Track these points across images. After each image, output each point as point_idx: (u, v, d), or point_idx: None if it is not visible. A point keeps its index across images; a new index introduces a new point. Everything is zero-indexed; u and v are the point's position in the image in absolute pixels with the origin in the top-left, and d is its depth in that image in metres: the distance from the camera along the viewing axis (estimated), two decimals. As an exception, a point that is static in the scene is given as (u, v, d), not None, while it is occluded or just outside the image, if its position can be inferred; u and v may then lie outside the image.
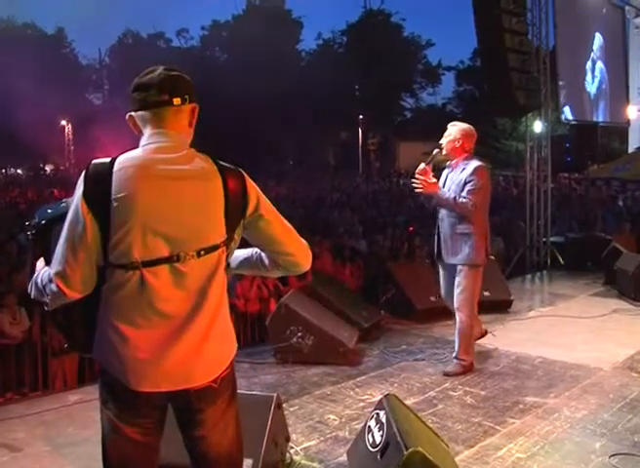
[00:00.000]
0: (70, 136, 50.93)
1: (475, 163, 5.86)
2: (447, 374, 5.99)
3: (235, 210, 2.50)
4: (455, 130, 5.99)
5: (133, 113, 2.51)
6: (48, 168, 57.26)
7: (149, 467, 2.57)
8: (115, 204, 2.32)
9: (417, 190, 5.91)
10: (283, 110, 46.69)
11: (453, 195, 5.80)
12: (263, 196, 2.61)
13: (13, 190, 29.38)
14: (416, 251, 11.35)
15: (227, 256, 2.59)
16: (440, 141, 6.04)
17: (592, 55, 13.59)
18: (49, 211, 2.69)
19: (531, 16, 11.65)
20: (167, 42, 62.58)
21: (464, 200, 5.73)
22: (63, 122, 50.03)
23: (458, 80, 61.38)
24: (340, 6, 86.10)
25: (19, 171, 58.31)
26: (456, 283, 5.98)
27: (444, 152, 6.00)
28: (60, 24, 57.34)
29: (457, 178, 5.89)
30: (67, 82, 48.03)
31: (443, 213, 6.02)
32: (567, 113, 13.07)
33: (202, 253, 2.42)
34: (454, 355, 6.12)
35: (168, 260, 2.38)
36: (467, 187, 5.77)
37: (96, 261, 2.39)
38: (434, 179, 5.88)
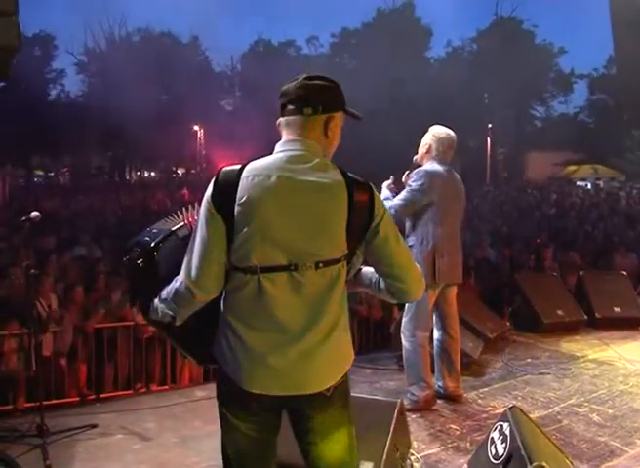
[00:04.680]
0: (202, 141, 52.48)
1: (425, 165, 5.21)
2: None
3: (359, 224, 2.48)
4: (427, 134, 5.34)
5: (280, 118, 2.59)
6: (180, 171, 59.27)
7: (266, 463, 2.63)
8: (238, 208, 2.39)
9: None
10: (409, 117, 46.55)
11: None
12: (389, 214, 2.58)
13: (149, 191, 30.54)
14: (544, 262, 11.05)
15: (349, 271, 2.59)
16: None
17: None
18: (154, 231, 2.74)
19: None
20: (297, 50, 63.61)
21: (390, 202, 5.01)
22: (196, 127, 51.58)
23: (591, 88, 59.45)
24: (470, 13, 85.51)
25: (152, 173, 60.77)
26: None
27: (417, 159, 5.39)
28: (195, 33, 59.20)
29: None
30: (201, 89, 49.65)
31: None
32: None
33: (320, 265, 2.43)
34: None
35: (286, 269, 2.41)
36: None
37: (224, 263, 2.46)
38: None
